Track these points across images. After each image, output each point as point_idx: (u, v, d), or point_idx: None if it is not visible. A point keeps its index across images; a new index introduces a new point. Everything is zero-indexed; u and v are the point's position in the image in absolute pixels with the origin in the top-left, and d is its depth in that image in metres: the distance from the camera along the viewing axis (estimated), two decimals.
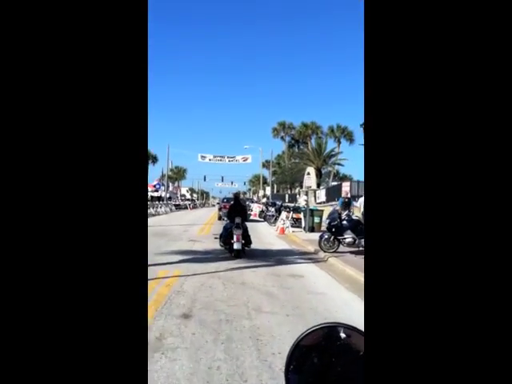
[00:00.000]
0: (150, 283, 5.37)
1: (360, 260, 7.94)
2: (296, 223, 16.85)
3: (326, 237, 9.34)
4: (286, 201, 37.31)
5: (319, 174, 29.07)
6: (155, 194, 38.70)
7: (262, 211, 24.73)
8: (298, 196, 33.75)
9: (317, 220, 15.35)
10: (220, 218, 20.09)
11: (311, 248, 10.29)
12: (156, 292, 5.20)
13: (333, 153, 31.39)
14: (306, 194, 31.18)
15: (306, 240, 11.96)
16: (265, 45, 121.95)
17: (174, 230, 14.41)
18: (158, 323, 3.99)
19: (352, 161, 70.63)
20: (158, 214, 25.74)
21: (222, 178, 63.06)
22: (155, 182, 42.18)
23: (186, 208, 39.55)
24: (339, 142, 39.72)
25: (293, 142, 46.44)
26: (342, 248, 9.19)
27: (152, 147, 53.62)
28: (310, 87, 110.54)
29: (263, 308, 4.72)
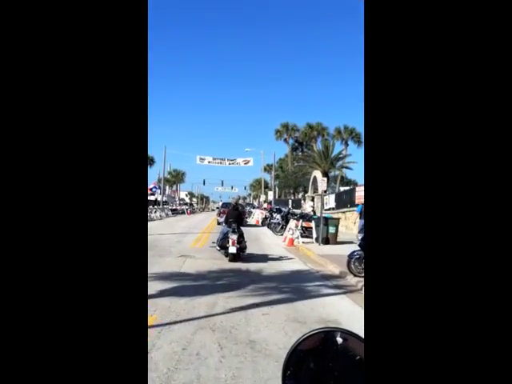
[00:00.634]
0: None
1: None
2: (305, 232, 14.64)
3: (358, 256, 7.07)
4: (290, 206, 35.21)
5: (326, 178, 26.80)
6: (151, 198, 36.44)
7: (266, 218, 22.48)
8: (302, 202, 31.48)
9: (332, 230, 13.10)
10: (219, 223, 19.84)
11: (334, 269, 8.05)
12: None
13: (340, 155, 29.24)
14: (313, 200, 28.98)
15: (323, 256, 9.72)
16: (267, 47, 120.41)
17: (165, 241, 12.18)
18: None
19: (360, 164, 68.47)
20: (152, 220, 23.41)
21: (222, 182, 60.92)
22: (152, 185, 39.92)
23: (183, 213, 37.28)
24: (346, 144, 37.68)
25: (296, 144, 44.28)
26: None
27: (149, 149, 51.57)
28: (315, 88, 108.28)
29: None
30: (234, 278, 6.94)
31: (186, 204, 40.18)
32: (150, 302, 4.83)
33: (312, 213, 21.30)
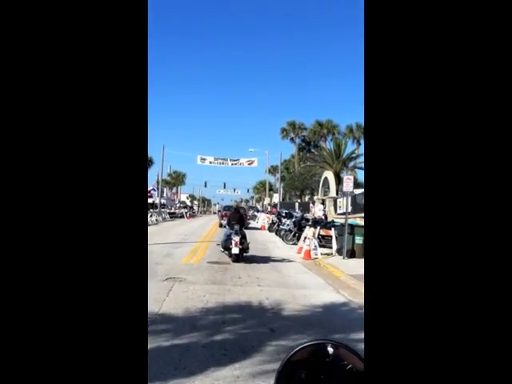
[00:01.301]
0: None
1: None
2: (322, 242, 12.20)
3: None
4: (296, 210, 32.69)
5: (338, 180, 24.29)
6: (149, 201, 34.03)
7: (273, 223, 20.03)
8: (311, 205, 28.99)
9: (359, 241, 10.61)
10: (221, 226, 19.46)
11: None
12: None
13: (353, 155, 26.85)
14: (323, 203, 26.48)
15: (355, 277, 7.28)
16: (275, 41, 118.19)
17: (152, 253, 9.64)
18: None
19: None
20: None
21: (224, 184, 58.57)
22: (150, 188, 37.57)
23: (182, 217, 34.83)
24: (358, 144, 35.14)
25: (303, 144, 41.79)
26: None
27: (148, 149, 49.05)
28: (324, 83, 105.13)
29: None
30: (242, 324, 4.47)
31: (186, 207, 37.70)
32: None
33: (323, 217, 18.73)
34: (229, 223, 9.99)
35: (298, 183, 35.68)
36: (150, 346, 3.68)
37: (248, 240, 9.71)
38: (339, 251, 10.87)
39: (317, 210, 25.07)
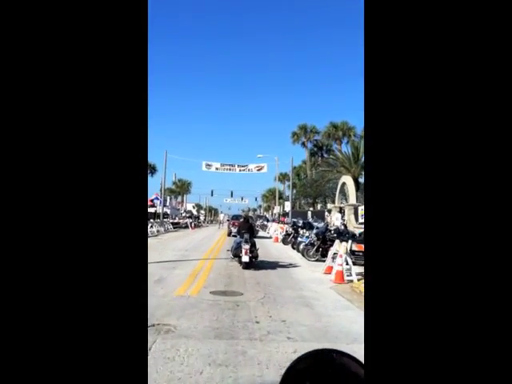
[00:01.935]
0: None
1: None
2: (352, 258, 9.76)
3: None
4: (309, 219, 30.22)
5: (357, 185, 21.82)
6: (151, 210, 31.75)
7: (288, 234, 17.61)
8: (326, 214, 26.52)
9: None
10: (229, 234, 19.54)
11: None
12: None
13: None
14: (341, 211, 24.02)
15: None
16: (284, 44, 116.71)
17: None
18: None
19: None
20: None
21: (232, 192, 56.30)
22: (153, 196, 35.31)
23: (186, 227, 32.50)
24: None
25: (315, 149, 39.38)
26: None
27: (151, 156, 47.15)
28: (335, 88, 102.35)
29: None
30: None
31: (190, 217, 35.34)
32: None
33: (342, 227, 16.20)
34: (239, 232, 10.28)
35: (311, 190, 33.21)
36: None
37: (257, 247, 10.09)
38: None
39: (334, 220, 22.57)
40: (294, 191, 34.53)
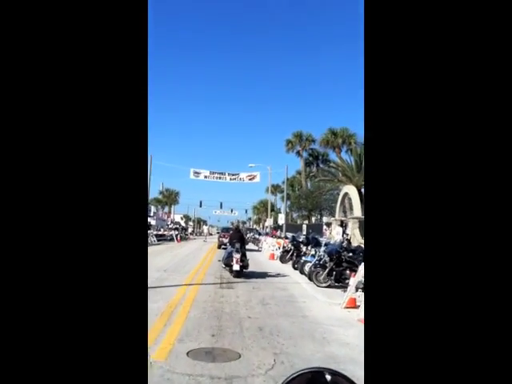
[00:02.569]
0: None
1: None
2: None
3: None
4: (304, 232, 27.89)
5: (361, 196, 19.59)
6: None
7: (286, 251, 15.20)
8: (325, 228, 24.21)
9: None
10: (220, 247, 19.70)
11: None
12: None
13: None
14: (342, 225, 21.77)
15: None
16: (278, 45, 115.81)
17: None
18: None
19: None
20: None
21: (221, 204, 53.89)
22: None
23: (172, 239, 29.82)
24: None
25: (310, 159, 37.18)
26: None
27: None
28: (331, 91, 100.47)
29: None
30: None
31: (176, 228, 32.66)
32: None
33: (347, 243, 13.85)
34: (230, 242, 10.81)
35: (307, 202, 30.93)
36: None
37: (249, 261, 10.38)
38: None
39: (334, 234, 20.27)
40: (288, 203, 32.21)
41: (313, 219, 33.72)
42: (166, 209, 58.39)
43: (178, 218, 66.45)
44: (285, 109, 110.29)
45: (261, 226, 58.54)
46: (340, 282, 9.05)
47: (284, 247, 15.51)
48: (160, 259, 14.14)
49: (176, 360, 3.85)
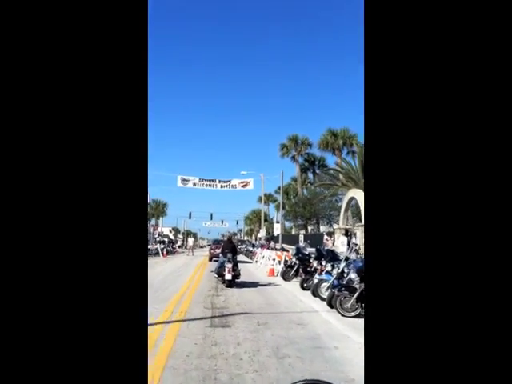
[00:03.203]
0: None
1: None
2: None
3: None
4: (301, 244, 25.49)
5: None
6: None
7: (290, 267, 12.71)
8: (326, 238, 21.79)
9: None
10: (211, 260, 19.85)
11: None
12: None
13: None
14: (347, 234, 19.43)
15: None
16: (272, 49, 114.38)
17: None
18: None
19: None
20: None
21: (211, 215, 51.21)
22: None
23: (157, 254, 27.04)
24: None
25: (306, 164, 34.87)
26: None
27: None
28: (330, 95, 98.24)
29: None
30: None
31: (163, 242, 29.85)
32: None
33: (355, 253, 11.36)
34: (222, 252, 10.93)
35: (305, 210, 28.51)
36: None
37: (240, 268, 10.88)
38: None
39: (338, 244, 17.89)
40: (284, 212, 29.75)
41: (309, 228, 31.31)
42: (153, 221, 55.43)
43: (166, 230, 63.45)
44: (279, 111, 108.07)
45: (253, 237, 55.89)
46: None
47: (286, 262, 12.98)
48: None
49: None
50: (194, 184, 27.76)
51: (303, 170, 34.94)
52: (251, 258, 24.02)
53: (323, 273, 9.35)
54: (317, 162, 34.67)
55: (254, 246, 27.94)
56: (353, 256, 9.39)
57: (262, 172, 30.81)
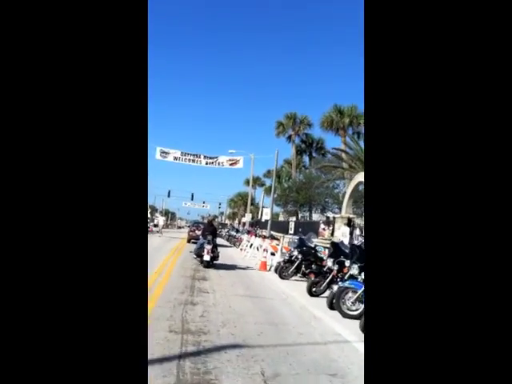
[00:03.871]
0: None
1: None
2: None
3: None
4: (291, 232, 22.87)
5: None
6: None
7: (290, 261, 9.94)
8: (322, 227, 19.12)
9: None
10: (189, 241, 19.23)
11: None
12: None
13: None
14: (350, 224, 16.82)
15: None
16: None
17: None
18: None
19: None
20: None
21: (192, 195, 48.02)
22: None
23: None
24: None
25: (303, 146, 31.89)
26: None
27: None
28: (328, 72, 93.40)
29: None
30: None
31: None
32: None
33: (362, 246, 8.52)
34: (203, 234, 10.98)
35: (299, 196, 25.72)
36: None
37: (218, 250, 10.74)
38: None
39: (339, 235, 15.27)
40: (276, 195, 26.90)
41: (299, 216, 28.68)
42: None
43: None
44: (277, 89, 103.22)
45: (236, 221, 53.05)
46: None
47: (288, 256, 10.16)
48: None
49: None
50: (175, 158, 24.41)
51: (299, 153, 31.93)
52: (233, 244, 21.24)
53: (345, 277, 6.62)
54: (314, 145, 31.74)
55: (237, 231, 25.09)
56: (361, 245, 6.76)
57: (251, 153, 27.68)
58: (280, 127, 31.13)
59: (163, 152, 24.74)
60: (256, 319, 5.26)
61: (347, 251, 7.34)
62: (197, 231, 18.14)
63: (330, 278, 7.36)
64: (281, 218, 33.60)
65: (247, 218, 31.11)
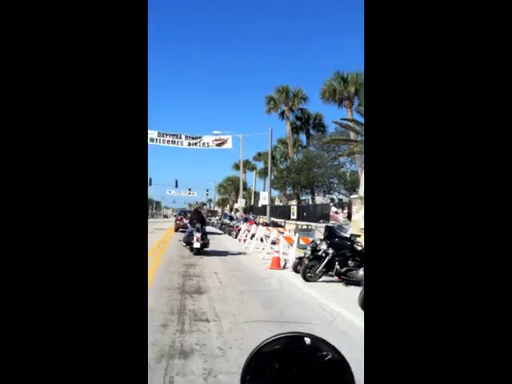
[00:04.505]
0: None
1: None
2: None
3: None
4: (293, 217, 20.28)
5: None
6: None
7: (316, 258, 7.24)
8: (333, 210, 16.51)
9: None
10: (177, 230, 18.84)
11: None
12: None
13: None
14: None
15: None
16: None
17: None
18: None
19: None
20: None
21: (176, 182, 44.80)
22: None
23: None
24: None
25: (299, 123, 28.91)
26: None
27: None
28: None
29: None
30: None
31: None
32: None
33: None
34: (191, 222, 11.04)
35: (299, 177, 22.97)
36: None
37: (208, 238, 10.89)
38: None
39: (358, 219, 12.64)
40: (272, 177, 24.11)
41: (297, 199, 26.10)
42: None
43: None
44: (269, 62, 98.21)
45: (227, 207, 50.31)
46: None
47: (311, 252, 7.43)
48: None
49: None
50: (152, 140, 20.68)
51: (294, 130, 29.12)
52: (229, 234, 18.53)
53: None
54: (311, 121, 28.90)
55: (232, 218, 22.32)
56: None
57: (240, 133, 24.79)
58: (271, 102, 27.90)
59: None
60: None
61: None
62: (184, 220, 17.99)
63: None
64: (277, 203, 31.00)
65: (240, 203, 28.36)
